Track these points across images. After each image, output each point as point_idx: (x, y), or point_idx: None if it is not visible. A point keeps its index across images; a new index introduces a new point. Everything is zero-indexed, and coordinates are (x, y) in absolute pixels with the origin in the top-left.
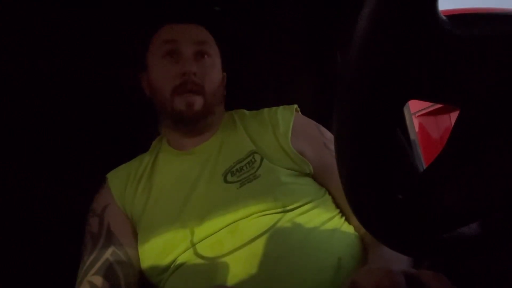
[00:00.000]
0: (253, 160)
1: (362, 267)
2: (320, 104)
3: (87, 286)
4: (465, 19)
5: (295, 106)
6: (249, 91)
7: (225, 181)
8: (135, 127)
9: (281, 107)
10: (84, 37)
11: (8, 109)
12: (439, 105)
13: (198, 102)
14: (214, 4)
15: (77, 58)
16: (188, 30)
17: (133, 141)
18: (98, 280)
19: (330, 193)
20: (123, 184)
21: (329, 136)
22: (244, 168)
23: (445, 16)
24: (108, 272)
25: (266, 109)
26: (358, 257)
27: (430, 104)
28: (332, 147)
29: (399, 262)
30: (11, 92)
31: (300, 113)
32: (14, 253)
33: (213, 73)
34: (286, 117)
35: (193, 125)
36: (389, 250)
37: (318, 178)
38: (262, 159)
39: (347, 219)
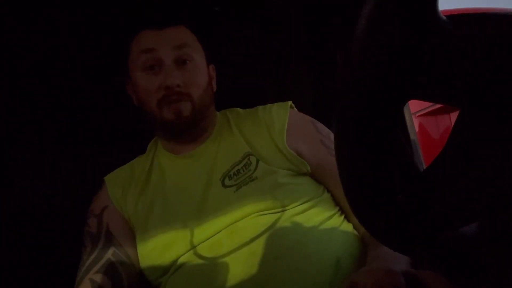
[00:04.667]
0: (248, 162)
1: (361, 266)
2: (320, 104)
3: (88, 284)
4: (465, 19)
5: (290, 102)
6: (248, 91)
7: (223, 185)
8: (132, 128)
9: (275, 105)
10: (83, 37)
11: (7, 111)
12: (439, 105)
13: (186, 108)
14: (210, 5)
15: (75, 58)
16: (166, 35)
17: (130, 142)
18: (100, 278)
19: (329, 191)
20: (120, 187)
21: (326, 132)
22: (241, 171)
23: (445, 16)
24: (110, 271)
25: (260, 107)
26: (357, 257)
27: (430, 104)
28: (329, 144)
29: (399, 262)
30: (10, 93)
31: (295, 109)
32: (13, 254)
33: (198, 78)
34: (281, 116)
35: (184, 132)
36: (389, 250)
37: (316, 176)
38: (257, 161)
39: (346, 217)
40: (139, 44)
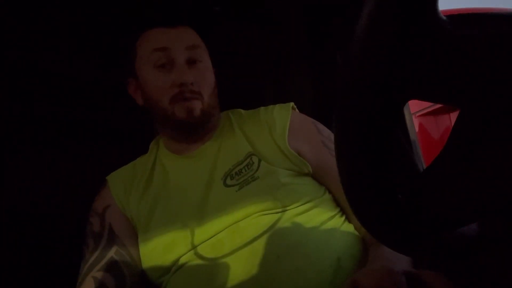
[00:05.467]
0: (251, 162)
1: (361, 267)
2: (320, 104)
3: (91, 281)
4: (465, 19)
5: (292, 104)
6: (248, 91)
7: (225, 184)
8: (134, 128)
9: (277, 106)
10: (83, 37)
11: (9, 110)
12: (439, 105)
13: (197, 107)
14: (210, 5)
15: (75, 58)
16: (178, 34)
17: (131, 142)
18: (103, 275)
19: (330, 192)
20: (122, 187)
21: (327, 133)
22: (243, 170)
23: (445, 16)
24: (113, 269)
25: (262, 108)
26: (357, 257)
27: (430, 104)
28: (330, 145)
29: (400, 262)
30: (12, 93)
31: (297, 110)
32: (13, 254)
33: (208, 78)
34: (283, 117)
35: (194, 131)
36: (390, 250)
37: (317, 177)
38: (260, 161)
39: (347, 218)
40: (150, 42)
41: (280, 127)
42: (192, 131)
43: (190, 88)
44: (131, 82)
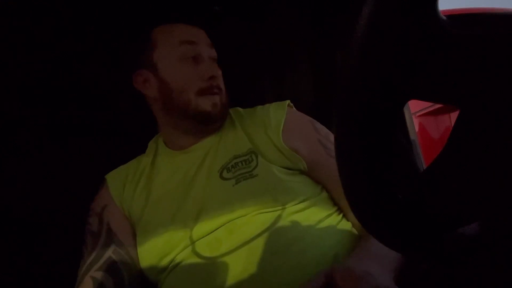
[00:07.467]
0: (250, 158)
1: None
2: (320, 104)
3: (89, 281)
4: (465, 19)
5: (287, 102)
6: (248, 90)
7: (221, 177)
8: (133, 127)
9: (273, 104)
10: (84, 38)
11: (9, 110)
12: (439, 105)
13: (220, 102)
14: (210, 4)
15: (73, 56)
16: (201, 32)
17: (131, 141)
18: (101, 275)
19: (327, 190)
20: (121, 185)
21: (324, 132)
22: (240, 164)
23: (445, 16)
24: (112, 269)
25: (259, 107)
26: None
27: (430, 104)
28: (327, 143)
29: (387, 258)
30: (12, 92)
31: (293, 108)
32: (13, 253)
33: (222, 76)
34: (278, 115)
35: (214, 124)
36: (380, 245)
37: (312, 175)
38: (259, 159)
39: (344, 216)
40: (176, 35)
41: (275, 124)
42: (212, 123)
43: (217, 83)
44: (139, 74)
